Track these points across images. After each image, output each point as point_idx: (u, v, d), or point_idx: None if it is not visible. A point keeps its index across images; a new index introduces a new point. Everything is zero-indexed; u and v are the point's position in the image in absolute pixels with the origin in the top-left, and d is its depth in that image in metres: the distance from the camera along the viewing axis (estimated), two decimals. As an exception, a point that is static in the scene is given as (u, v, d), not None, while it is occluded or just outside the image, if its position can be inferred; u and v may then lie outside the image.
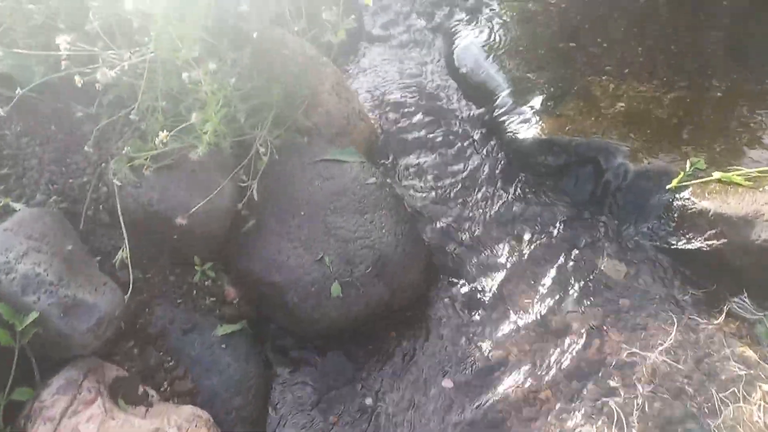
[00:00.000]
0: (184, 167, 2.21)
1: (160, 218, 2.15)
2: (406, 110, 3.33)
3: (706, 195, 2.31)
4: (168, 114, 2.27)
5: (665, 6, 3.58)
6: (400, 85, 3.51)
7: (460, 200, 2.84)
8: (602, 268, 2.48)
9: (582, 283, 2.44)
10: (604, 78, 3.14)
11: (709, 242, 2.22)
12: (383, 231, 2.30)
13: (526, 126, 2.94)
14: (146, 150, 2.19)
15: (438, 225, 2.73)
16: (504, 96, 3.17)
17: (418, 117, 3.27)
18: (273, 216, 2.33)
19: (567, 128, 2.85)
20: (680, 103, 2.92)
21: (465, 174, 2.97)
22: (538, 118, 2.95)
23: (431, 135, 3.18)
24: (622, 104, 2.96)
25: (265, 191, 2.33)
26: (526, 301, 2.42)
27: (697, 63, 3.17)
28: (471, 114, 3.30)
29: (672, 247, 2.38)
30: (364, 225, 2.31)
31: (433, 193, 2.87)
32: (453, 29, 3.80)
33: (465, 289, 2.48)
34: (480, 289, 2.47)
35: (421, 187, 2.92)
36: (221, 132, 2.13)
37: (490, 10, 3.83)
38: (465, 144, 3.13)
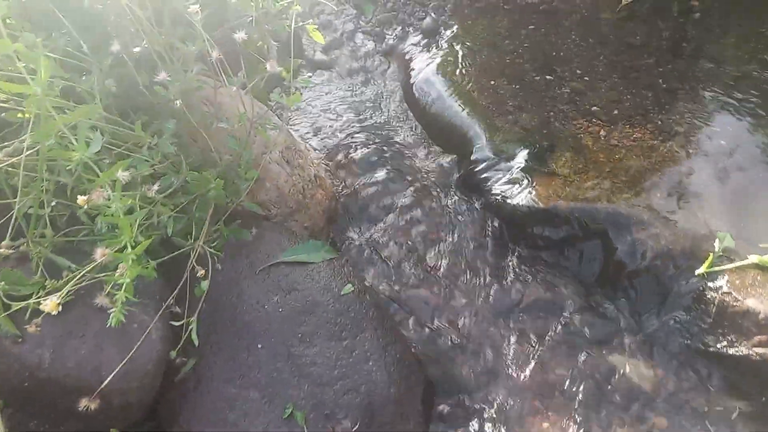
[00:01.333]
0: (89, 304, 1.55)
1: (57, 386, 1.50)
2: (365, 163, 2.76)
3: (749, 289, 1.93)
4: (60, 223, 1.60)
5: (643, 27, 3.20)
6: (354, 129, 2.94)
7: (446, 285, 2.33)
8: (625, 371, 2.06)
9: (603, 394, 2.01)
10: (593, 122, 2.71)
11: (759, 350, 1.84)
12: (370, 364, 1.76)
13: (515, 189, 2.47)
14: (30, 285, 1.52)
15: (423, 320, 2.21)
16: (482, 146, 2.68)
17: (381, 173, 2.71)
18: (218, 353, 1.73)
19: (564, 191, 2.40)
20: (682, 153, 2.55)
21: (447, 248, 2.46)
22: (527, 178, 2.48)
23: (399, 196, 2.64)
24: (620, 157, 2.54)
25: (206, 317, 1.71)
26: (540, 425, 1.96)
27: (692, 101, 2.81)
28: (442, 165, 2.79)
29: (710, 349, 1.99)
30: (344, 357, 1.75)
31: (413, 278, 2.34)
32: (408, 55, 3.26)
33: (464, 414, 1.99)
34: (482, 413, 1.98)
35: (397, 270, 2.38)
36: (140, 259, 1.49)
37: (450, 32, 3.31)
38: (440, 207, 2.62)
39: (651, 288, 2.19)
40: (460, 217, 2.59)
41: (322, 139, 2.89)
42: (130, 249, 1.36)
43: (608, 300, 2.26)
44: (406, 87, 3.15)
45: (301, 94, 3.00)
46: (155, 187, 1.47)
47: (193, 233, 1.71)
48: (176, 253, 1.67)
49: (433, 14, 3.41)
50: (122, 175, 1.35)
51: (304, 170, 2.27)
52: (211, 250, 1.72)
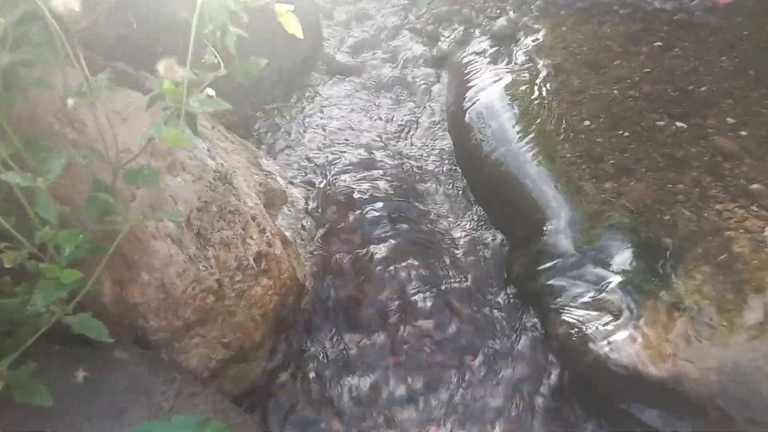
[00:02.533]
0: None
1: None
2: (365, 228, 1.76)
3: None
4: None
5: None
6: (364, 171, 1.94)
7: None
8: None
9: None
10: (753, 211, 1.58)
11: None
12: None
13: (605, 324, 1.39)
14: None
15: None
16: (557, 230, 1.61)
17: (388, 247, 1.70)
18: None
19: (699, 349, 1.30)
20: None
21: (490, 415, 1.42)
22: (630, 307, 1.40)
23: (409, 290, 1.62)
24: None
25: None
26: None
27: None
28: (488, 248, 1.74)
29: None
30: None
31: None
32: (468, 68, 2.22)
33: None
34: None
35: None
36: None
37: (533, 39, 2.24)
38: (471, 318, 1.57)
39: None
40: (498, 343, 1.54)
41: (314, 173, 1.91)
42: None
43: None
44: (455, 112, 2.12)
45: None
46: None
47: None
48: None
49: (511, 13, 2.35)
50: None
51: (235, 248, 1.30)
52: None
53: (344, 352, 1.53)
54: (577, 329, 1.41)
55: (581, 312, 1.44)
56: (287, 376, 1.47)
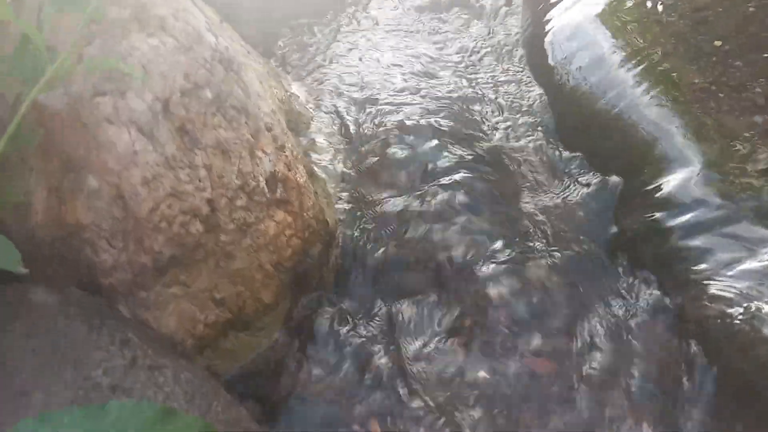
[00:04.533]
0: None
1: None
2: (420, 170, 1.32)
3: None
4: None
5: None
6: (415, 104, 1.49)
7: None
8: None
9: None
10: None
11: None
12: None
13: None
14: None
15: None
16: (688, 179, 1.15)
17: (457, 195, 1.25)
18: None
19: None
20: None
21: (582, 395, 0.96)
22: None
23: (486, 249, 1.17)
24: None
25: None
26: None
27: None
28: (591, 194, 1.28)
29: None
30: None
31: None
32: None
33: None
34: None
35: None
36: None
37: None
38: (582, 296, 1.12)
39: None
40: (605, 325, 1.08)
41: (345, 110, 1.47)
42: None
43: None
44: (532, 39, 1.66)
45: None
46: None
47: None
48: None
49: None
50: None
51: (239, 159, 0.87)
52: None
53: (385, 327, 1.09)
54: (735, 308, 0.95)
55: (742, 284, 0.97)
56: (305, 355, 1.04)
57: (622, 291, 1.12)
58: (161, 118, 0.79)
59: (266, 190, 0.94)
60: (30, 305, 0.69)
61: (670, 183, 1.17)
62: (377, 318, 1.10)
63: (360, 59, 1.62)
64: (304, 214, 1.02)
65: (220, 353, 0.96)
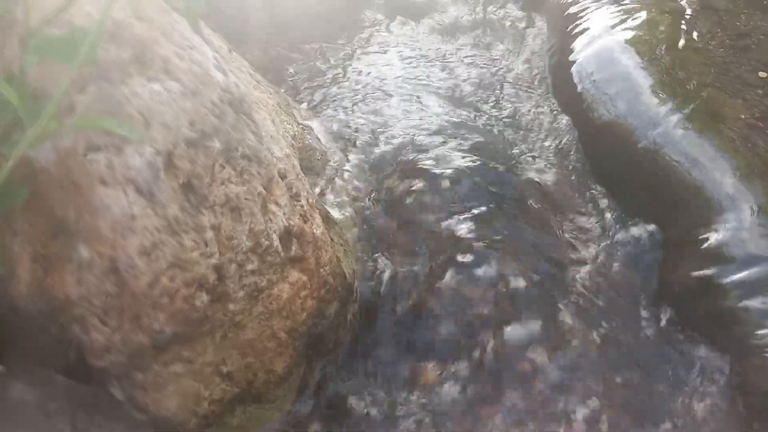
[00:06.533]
0: None
1: None
2: (447, 212, 1.21)
3: None
4: None
5: None
6: (438, 136, 1.39)
7: None
8: None
9: None
10: None
11: None
12: None
13: None
14: None
15: None
16: (740, 222, 1.04)
17: (482, 234, 1.15)
18: None
19: None
20: None
21: None
22: None
23: (523, 316, 1.06)
24: None
25: None
26: None
27: None
28: (635, 242, 1.18)
29: None
30: None
31: None
32: (572, 6, 1.66)
33: None
34: None
35: None
36: None
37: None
38: (627, 361, 1.01)
39: None
40: (656, 395, 0.97)
41: (363, 143, 1.37)
42: None
43: None
44: (559, 67, 1.57)
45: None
46: None
47: None
48: None
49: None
50: None
51: (250, 216, 0.76)
52: None
53: (410, 395, 0.98)
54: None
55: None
56: (321, 426, 0.93)
57: (670, 355, 1.01)
58: (163, 174, 0.69)
59: (280, 248, 0.83)
60: (7, 404, 0.58)
61: (720, 232, 1.07)
62: (399, 384, 0.99)
63: (377, 87, 1.52)
64: (321, 270, 0.92)
65: (227, 430, 0.85)
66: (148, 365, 0.71)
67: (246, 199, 0.78)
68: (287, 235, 0.86)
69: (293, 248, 0.86)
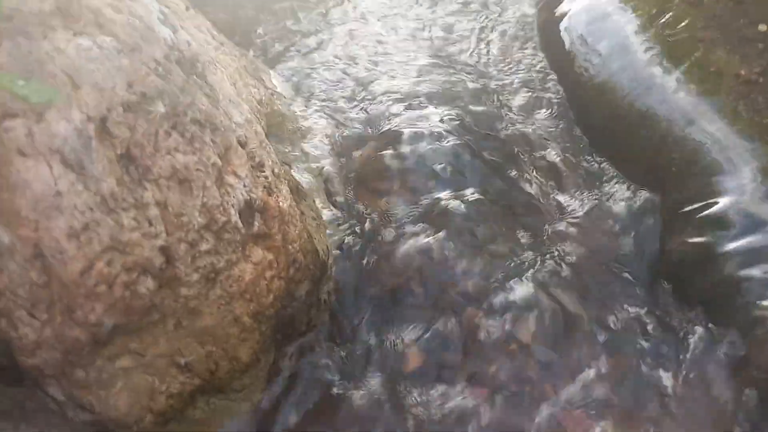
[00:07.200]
0: None
1: None
2: (428, 183, 1.13)
3: None
4: None
5: None
6: (419, 101, 1.30)
7: None
8: None
9: None
10: None
11: None
12: None
13: None
14: None
15: None
16: (743, 188, 0.96)
17: (465, 206, 1.06)
18: None
19: None
20: None
21: None
22: None
23: (510, 293, 0.99)
24: None
25: None
26: None
27: None
28: (629, 211, 1.10)
29: None
30: None
31: None
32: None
33: None
34: None
35: None
36: None
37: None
38: (622, 338, 0.94)
39: None
40: (652, 374, 0.90)
41: (338, 110, 1.27)
42: None
43: None
44: (547, 24, 1.47)
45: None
46: None
47: None
48: None
49: None
50: None
51: (202, 189, 0.67)
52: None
53: (391, 377, 0.91)
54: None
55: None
56: (296, 416, 0.86)
57: (670, 328, 0.94)
58: (95, 143, 0.60)
59: (240, 224, 0.74)
60: None
61: (720, 197, 1.00)
62: (380, 369, 0.92)
63: (352, 49, 1.42)
64: (289, 247, 0.84)
65: (188, 424, 0.77)
66: (89, 361, 0.63)
67: (197, 170, 0.69)
68: (248, 209, 0.77)
69: (256, 224, 0.78)
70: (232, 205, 0.73)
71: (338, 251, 1.01)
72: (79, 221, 0.57)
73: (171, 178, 0.66)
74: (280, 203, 0.84)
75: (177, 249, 0.66)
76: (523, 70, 1.39)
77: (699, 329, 0.93)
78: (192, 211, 0.67)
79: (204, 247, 0.69)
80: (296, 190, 0.99)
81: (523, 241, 1.07)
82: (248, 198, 0.77)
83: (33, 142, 0.57)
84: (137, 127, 0.63)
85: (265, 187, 0.82)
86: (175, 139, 0.67)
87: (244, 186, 0.77)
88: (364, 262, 1.01)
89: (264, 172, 0.84)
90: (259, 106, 1.09)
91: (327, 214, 1.05)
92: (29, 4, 0.60)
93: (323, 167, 1.13)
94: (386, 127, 1.23)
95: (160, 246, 0.64)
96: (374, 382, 0.90)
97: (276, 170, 0.88)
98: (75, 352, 0.61)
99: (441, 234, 1.03)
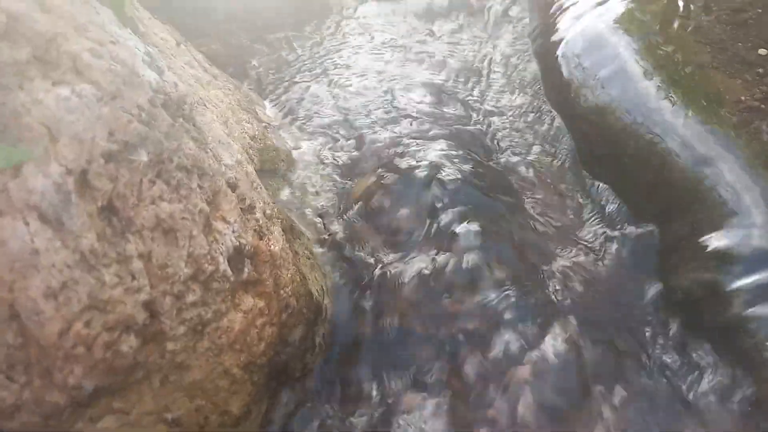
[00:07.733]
0: None
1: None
2: (428, 215, 1.10)
3: None
4: None
5: None
6: (415, 129, 1.28)
7: None
8: None
9: None
10: None
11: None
12: None
13: None
14: None
15: None
16: (752, 221, 0.93)
17: (465, 240, 1.04)
18: None
19: None
20: None
21: None
22: None
23: (512, 329, 0.96)
24: None
25: None
26: None
27: None
28: (632, 242, 1.07)
29: None
30: None
31: None
32: (557, -14, 1.55)
33: None
34: None
35: None
36: None
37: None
38: (629, 376, 0.90)
39: None
40: (661, 414, 0.87)
41: (333, 141, 1.25)
42: None
43: None
44: (543, 50, 1.46)
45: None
46: None
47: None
48: None
49: None
50: None
51: (188, 239, 0.65)
52: None
53: (389, 420, 0.88)
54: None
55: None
56: (290, 467, 0.82)
57: (678, 367, 0.91)
58: (75, 197, 0.57)
59: (229, 272, 0.72)
60: None
61: (726, 231, 0.97)
62: (377, 412, 0.88)
63: (348, 79, 1.41)
64: (281, 292, 0.81)
65: (178, 481, 0.74)
66: (70, 424, 0.60)
67: (183, 218, 0.66)
68: (238, 255, 0.75)
69: (246, 270, 0.75)
70: (221, 253, 0.71)
71: (334, 291, 0.98)
72: (56, 280, 0.55)
73: (155, 228, 0.63)
74: (272, 247, 0.81)
75: (162, 303, 0.63)
76: (517, 96, 1.37)
77: (710, 370, 0.89)
78: (177, 262, 0.65)
79: (191, 298, 0.66)
80: (290, 229, 0.97)
81: (522, 277, 1.04)
82: (238, 244, 0.74)
83: (9, 198, 0.54)
84: (119, 178, 0.61)
85: (255, 230, 0.80)
86: (160, 188, 0.65)
87: (234, 231, 0.74)
88: (361, 301, 0.98)
89: (255, 214, 0.81)
90: (252, 142, 1.07)
91: (322, 251, 1.03)
92: (3, 54, 0.58)
93: (318, 202, 1.11)
94: (383, 160, 1.21)
95: (143, 301, 0.61)
96: (371, 426, 0.86)
97: (267, 211, 0.85)
98: (55, 416, 0.58)
99: (440, 271, 1.00)
